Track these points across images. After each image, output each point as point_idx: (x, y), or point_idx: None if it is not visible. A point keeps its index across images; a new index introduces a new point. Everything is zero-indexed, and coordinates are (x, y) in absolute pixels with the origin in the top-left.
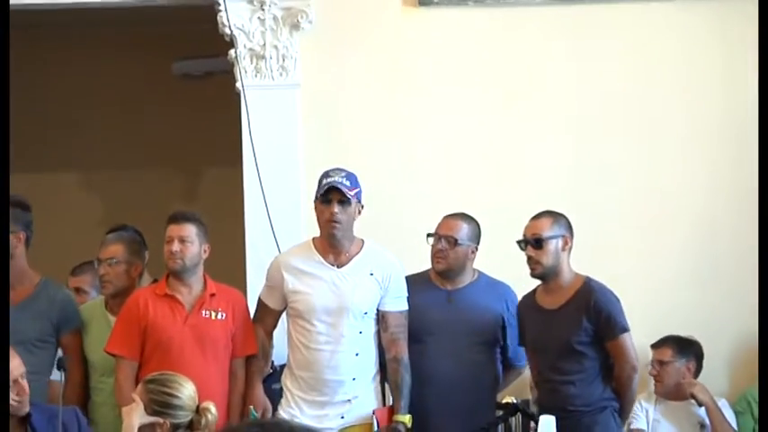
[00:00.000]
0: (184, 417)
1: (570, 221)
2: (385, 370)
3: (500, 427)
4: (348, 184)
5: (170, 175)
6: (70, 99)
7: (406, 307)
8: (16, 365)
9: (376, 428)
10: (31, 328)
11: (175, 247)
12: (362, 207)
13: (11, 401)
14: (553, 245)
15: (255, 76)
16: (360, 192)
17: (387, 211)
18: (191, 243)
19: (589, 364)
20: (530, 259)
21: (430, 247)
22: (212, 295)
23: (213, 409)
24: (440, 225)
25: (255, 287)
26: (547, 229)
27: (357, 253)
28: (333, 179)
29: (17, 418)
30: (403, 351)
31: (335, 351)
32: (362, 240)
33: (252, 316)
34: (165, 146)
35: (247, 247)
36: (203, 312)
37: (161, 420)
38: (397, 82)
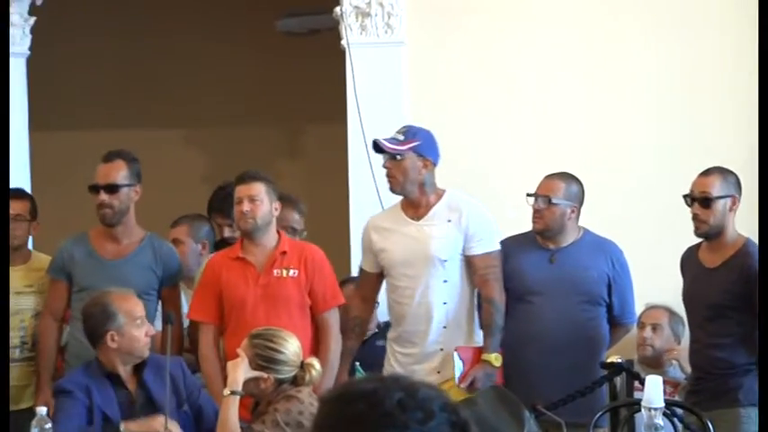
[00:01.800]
0: (288, 372)
1: (739, 179)
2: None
3: (604, 387)
4: (401, 137)
5: (273, 131)
6: (175, 56)
7: (494, 248)
8: (141, 308)
9: (461, 366)
10: (138, 280)
11: (245, 206)
12: (430, 160)
13: (142, 342)
14: (721, 205)
15: (360, 33)
16: (419, 144)
17: (489, 170)
18: (260, 202)
19: (736, 329)
20: (695, 217)
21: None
22: (283, 253)
23: (317, 365)
24: (539, 185)
25: (359, 245)
26: (716, 188)
27: (436, 203)
28: (384, 137)
29: (132, 366)
30: (493, 291)
31: (422, 302)
32: (444, 191)
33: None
34: (269, 103)
35: (351, 205)
36: (274, 271)
37: (265, 375)
38: (499, 40)
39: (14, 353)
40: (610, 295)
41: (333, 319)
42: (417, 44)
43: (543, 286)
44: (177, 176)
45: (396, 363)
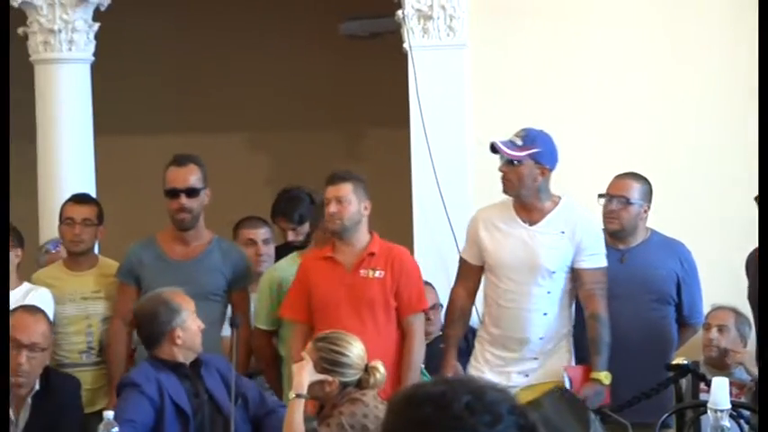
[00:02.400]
0: (353, 375)
1: None
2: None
3: (670, 388)
4: (519, 142)
5: (335, 135)
6: (237, 60)
7: (603, 264)
8: (190, 304)
9: (568, 386)
10: (206, 282)
11: (333, 208)
12: (547, 167)
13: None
14: None
15: (423, 36)
16: (539, 152)
17: (555, 171)
18: (348, 203)
19: None
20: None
21: (601, 208)
22: (371, 254)
23: (382, 369)
24: (611, 185)
25: (423, 248)
26: None
27: (551, 210)
28: (500, 139)
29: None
30: (600, 308)
31: (522, 309)
32: (559, 198)
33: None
34: (332, 106)
35: (414, 209)
36: (361, 272)
37: (330, 378)
38: (562, 41)
39: (81, 357)
40: (679, 295)
41: (417, 323)
42: (479, 46)
43: (614, 286)
44: (240, 180)
45: (484, 362)
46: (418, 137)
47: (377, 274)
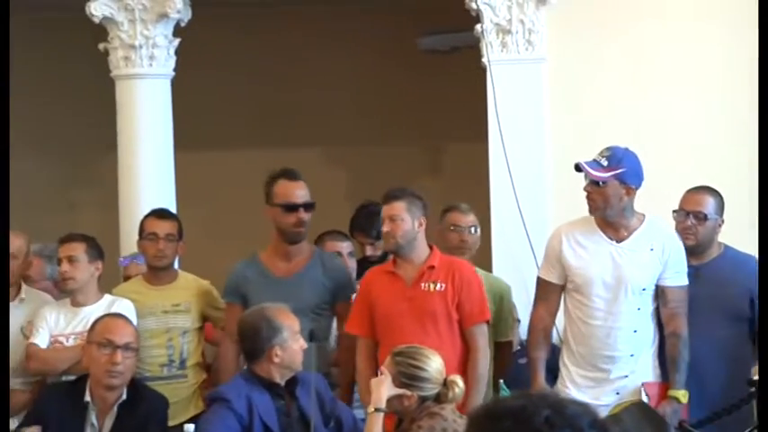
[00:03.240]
0: (431, 390)
1: None
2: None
3: (751, 404)
4: (605, 163)
5: (414, 149)
6: (317, 75)
7: (686, 282)
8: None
9: (646, 401)
10: (311, 296)
11: (386, 227)
12: (633, 187)
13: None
14: None
15: (501, 50)
16: (624, 172)
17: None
18: (401, 220)
19: None
20: None
21: (675, 223)
22: (431, 267)
23: (461, 383)
24: (685, 200)
25: (501, 263)
26: None
27: (637, 228)
28: (586, 160)
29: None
30: (682, 326)
31: (613, 327)
32: (644, 215)
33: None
34: (410, 121)
35: (492, 224)
36: (422, 285)
37: (408, 393)
38: (641, 54)
39: (162, 371)
40: (752, 310)
41: (480, 334)
42: (558, 60)
43: (689, 302)
44: (319, 195)
45: (571, 384)
46: (497, 152)
47: (438, 287)
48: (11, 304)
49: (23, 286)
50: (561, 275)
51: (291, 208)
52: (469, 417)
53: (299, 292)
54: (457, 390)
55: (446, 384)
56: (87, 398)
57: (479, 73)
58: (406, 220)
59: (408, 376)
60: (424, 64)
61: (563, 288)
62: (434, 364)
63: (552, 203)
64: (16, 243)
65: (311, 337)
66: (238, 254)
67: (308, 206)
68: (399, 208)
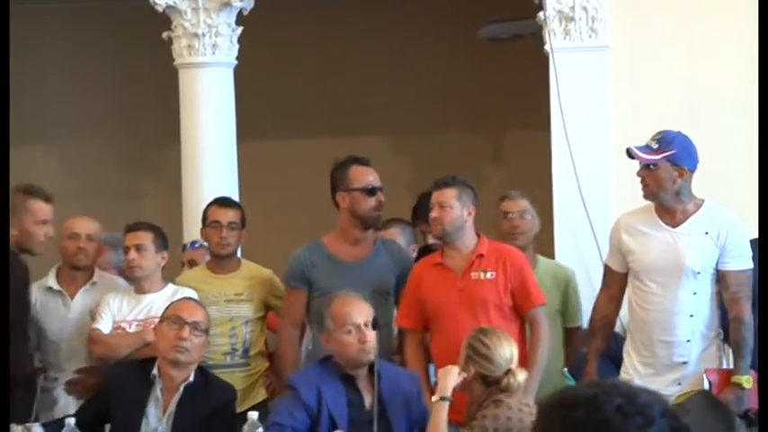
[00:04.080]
0: (492, 371)
1: None
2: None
3: None
4: (655, 145)
5: (476, 138)
6: (378, 63)
7: (748, 266)
8: (357, 314)
9: (707, 388)
10: (378, 281)
11: (435, 213)
12: (685, 169)
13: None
14: None
15: (564, 38)
16: (674, 153)
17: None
18: (450, 208)
19: None
20: None
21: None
22: (480, 256)
23: (520, 377)
24: None
25: (564, 252)
26: None
27: (694, 212)
28: (637, 145)
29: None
30: (744, 310)
31: (668, 311)
32: (702, 200)
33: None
34: (472, 109)
35: (555, 211)
36: (472, 274)
37: (472, 370)
38: (705, 42)
39: (225, 359)
40: None
41: (539, 316)
42: (622, 48)
43: None
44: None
45: (633, 372)
46: (559, 140)
47: (488, 275)
48: (82, 288)
49: (96, 270)
50: (622, 263)
51: (371, 191)
52: (540, 405)
53: (367, 276)
54: (512, 381)
55: (507, 373)
56: (155, 372)
57: (542, 61)
58: (455, 207)
59: (474, 349)
60: (487, 52)
61: (626, 276)
62: (504, 350)
63: (615, 192)
64: (91, 227)
65: (374, 325)
66: (300, 242)
67: (381, 190)
68: (449, 195)
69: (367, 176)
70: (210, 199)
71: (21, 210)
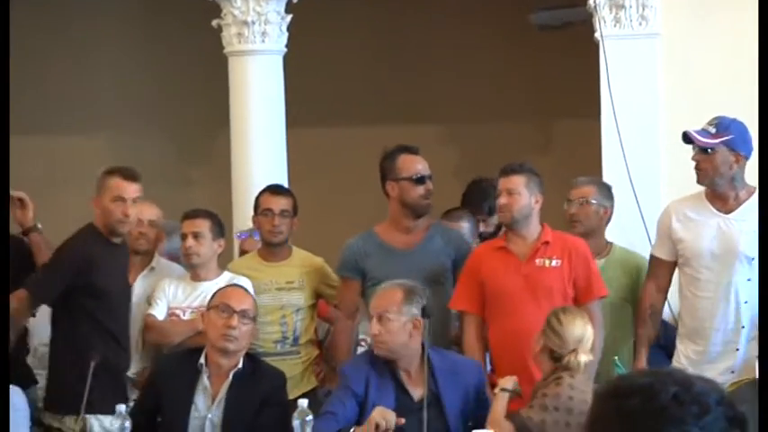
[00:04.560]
0: (558, 347)
1: None
2: None
3: None
4: (712, 130)
5: (527, 126)
6: (428, 51)
7: None
8: (378, 304)
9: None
10: (433, 267)
11: (503, 199)
12: (742, 155)
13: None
14: None
15: (615, 25)
16: (732, 138)
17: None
18: (518, 194)
19: None
20: None
21: None
22: (546, 243)
23: (582, 358)
24: None
25: (614, 238)
26: None
27: (746, 199)
28: (693, 129)
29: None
30: None
31: (721, 298)
32: (754, 187)
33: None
34: (523, 97)
35: None
36: (537, 261)
37: (539, 344)
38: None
39: (276, 347)
40: None
41: (596, 309)
42: (672, 36)
43: None
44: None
45: (686, 360)
46: (609, 128)
47: (553, 263)
48: (141, 273)
49: (156, 256)
50: (671, 251)
51: (420, 180)
52: (595, 393)
53: (421, 263)
54: (574, 362)
55: (572, 352)
56: (202, 360)
57: (592, 48)
58: (523, 195)
59: (549, 323)
60: (537, 39)
61: (674, 265)
62: (577, 329)
63: (665, 180)
64: (152, 212)
65: (423, 312)
66: (349, 230)
67: (430, 178)
68: (518, 182)
69: (415, 165)
70: (260, 186)
71: (102, 188)
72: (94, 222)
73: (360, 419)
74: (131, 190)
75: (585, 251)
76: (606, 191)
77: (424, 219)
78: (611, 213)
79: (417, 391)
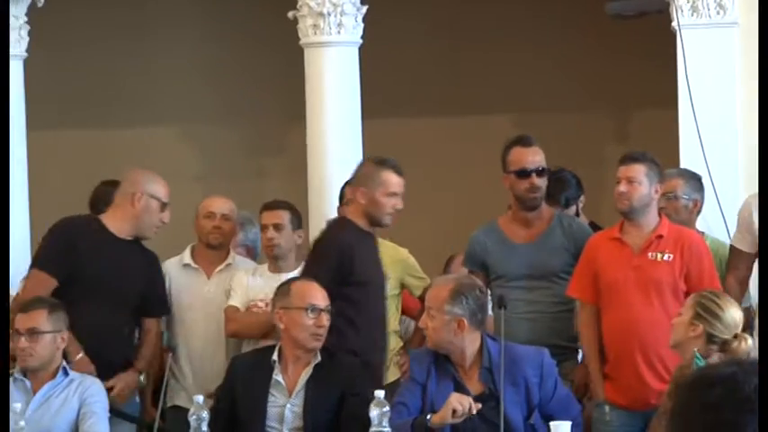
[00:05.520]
0: (720, 332)
1: None
2: None
3: None
4: None
5: (602, 116)
6: (501, 42)
7: None
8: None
9: None
10: (553, 261)
11: (623, 187)
12: None
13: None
14: None
15: (692, 15)
16: None
17: None
18: (638, 183)
19: None
20: None
21: None
22: (659, 237)
23: (750, 343)
24: None
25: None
26: None
27: None
28: None
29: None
30: None
31: None
32: None
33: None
34: (598, 87)
35: None
36: (649, 254)
37: (696, 329)
38: None
39: None
40: None
41: None
42: (750, 25)
43: None
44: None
45: None
46: (687, 118)
47: (665, 257)
48: (218, 268)
49: (231, 252)
50: (752, 243)
51: (524, 174)
52: (678, 383)
53: (540, 257)
54: (743, 344)
55: (736, 337)
56: (275, 357)
57: (668, 38)
58: (643, 184)
59: (705, 308)
60: (612, 29)
61: (755, 256)
62: (734, 313)
63: (744, 171)
64: (227, 206)
65: (500, 303)
66: (430, 222)
67: (540, 172)
68: (638, 170)
69: (522, 158)
70: (335, 178)
71: (373, 181)
72: (345, 214)
73: (423, 410)
74: (402, 185)
75: (700, 246)
76: (695, 182)
77: (547, 209)
78: (702, 205)
79: (473, 386)
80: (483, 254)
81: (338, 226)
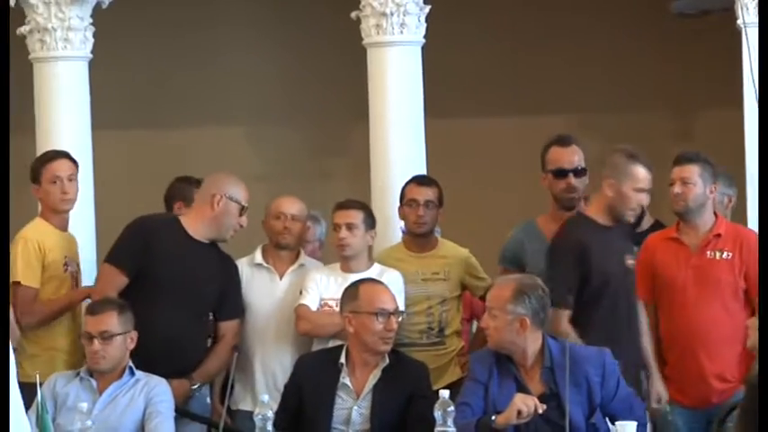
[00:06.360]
0: None
1: None
2: None
3: None
4: None
5: (664, 116)
6: (561, 39)
7: None
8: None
9: None
10: None
11: (677, 188)
12: None
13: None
14: None
15: (757, 13)
16: None
17: None
18: (693, 184)
19: None
20: None
21: None
22: (717, 236)
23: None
24: None
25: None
26: None
27: None
28: None
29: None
30: None
31: None
32: None
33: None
34: (662, 86)
35: (748, 192)
36: (707, 253)
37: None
38: None
39: (422, 337)
40: None
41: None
42: None
43: None
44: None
45: None
46: (752, 118)
47: (724, 255)
48: (290, 269)
49: (301, 253)
50: None
51: (561, 174)
52: (747, 383)
53: None
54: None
55: None
56: (342, 360)
57: (732, 37)
58: (698, 185)
59: None
60: (676, 28)
61: None
62: None
63: None
64: (297, 207)
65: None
66: (490, 222)
67: (578, 172)
68: (693, 171)
69: (560, 158)
70: (399, 178)
71: (622, 173)
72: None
73: (486, 410)
74: (650, 181)
75: (757, 243)
76: (727, 179)
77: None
78: (735, 201)
79: (534, 386)
80: (520, 252)
81: (575, 224)
